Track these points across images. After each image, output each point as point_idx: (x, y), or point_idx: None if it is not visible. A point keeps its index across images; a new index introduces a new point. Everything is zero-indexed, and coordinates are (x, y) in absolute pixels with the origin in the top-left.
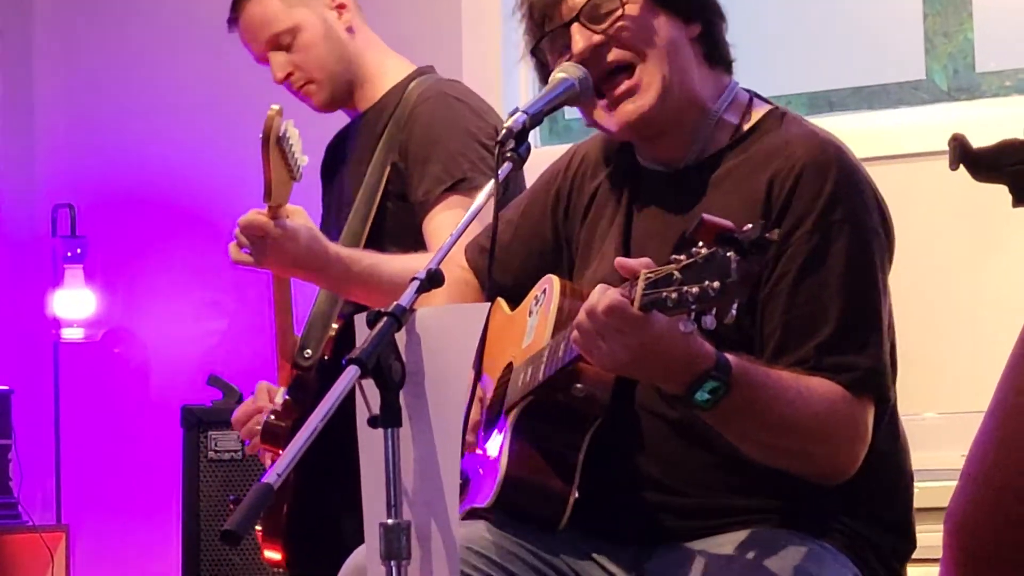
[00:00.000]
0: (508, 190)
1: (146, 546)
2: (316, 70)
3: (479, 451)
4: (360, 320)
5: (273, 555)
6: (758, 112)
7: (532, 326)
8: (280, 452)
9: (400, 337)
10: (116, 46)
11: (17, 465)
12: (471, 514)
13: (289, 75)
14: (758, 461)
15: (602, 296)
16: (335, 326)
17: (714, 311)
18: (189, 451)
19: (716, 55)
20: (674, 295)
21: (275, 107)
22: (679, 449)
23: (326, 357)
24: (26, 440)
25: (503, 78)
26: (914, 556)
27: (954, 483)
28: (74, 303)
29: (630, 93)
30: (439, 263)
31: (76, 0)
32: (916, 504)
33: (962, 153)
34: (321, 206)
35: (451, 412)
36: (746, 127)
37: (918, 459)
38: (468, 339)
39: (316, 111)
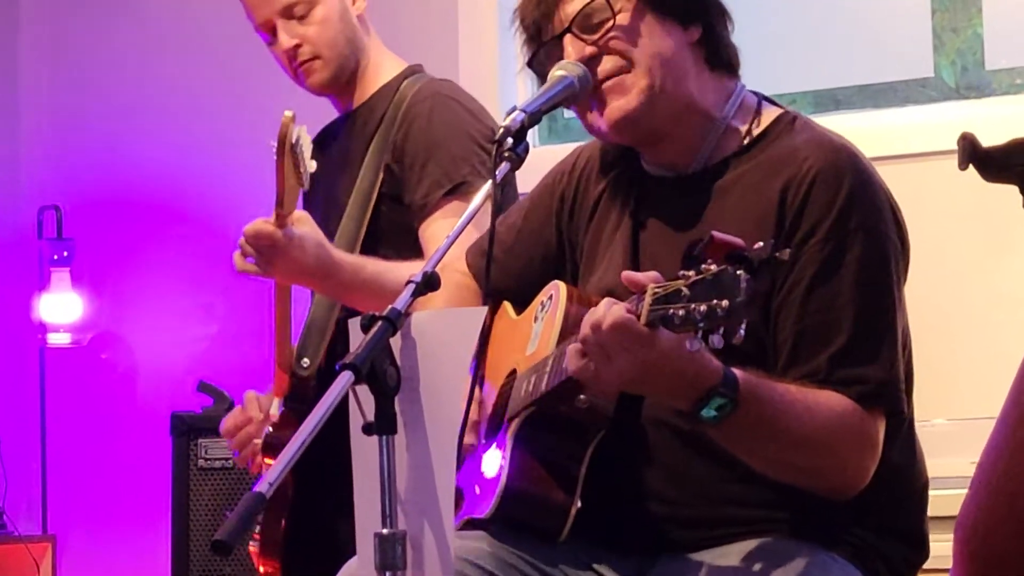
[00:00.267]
0: (504, 192)
1: (135, 556)
2: (326, 47)
3: (480, 452)
4: (354, 324)
5: (269, 571)
6: (768, 116)
7: (537, 333)
8: None
9: (395, 342)
10: (102, 46)
11: (2, 473)
12: (470, 524)
13: (297, 46)
14: (767, 475)
15: (608, 312)
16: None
17: (721, 330)
18: (178, 459)
19: (719, 58)
20: (681, 312)
21: (288, 113)
22: (685, 460)
23: (322, 365)
24: (11, 447)
25: (499, 78)
26: (924, 566)
27: (964, 491)
28: (60, 307)
29: (615, 92)
30: (435, 266)
31: (61, 7)
32: (928, 513)
33: (971, 152)
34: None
35: (447, 418)
36: (756, 132)
37: (928, 467)
38: (465, 344)
39: (308, 90)
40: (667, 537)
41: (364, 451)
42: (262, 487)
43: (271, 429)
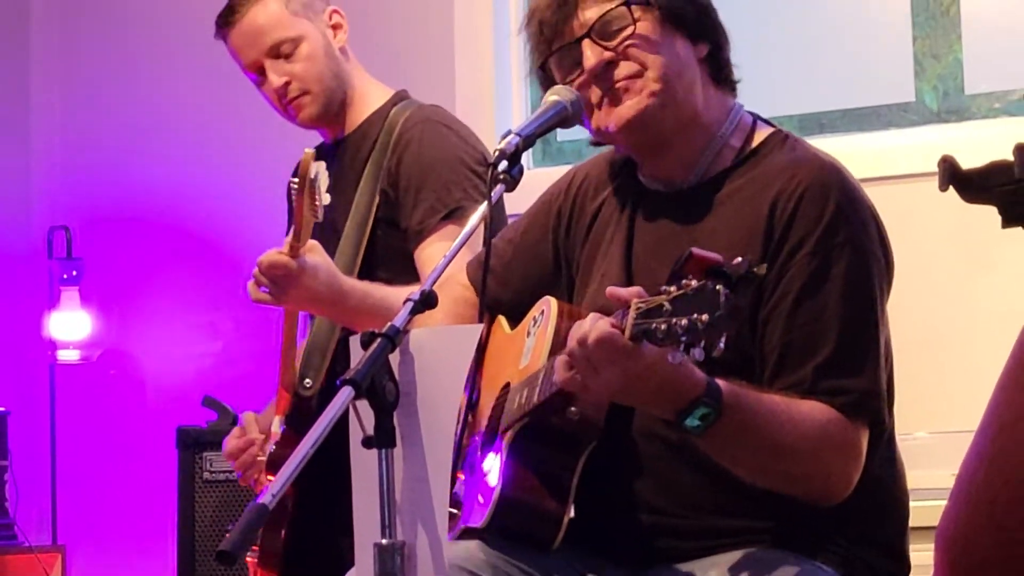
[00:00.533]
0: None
1: (142, 567)
2: (314, 82)
3: (476, 464)
4: (354, 341)
5: None
6: (761, 134)
7: (529, 347)
8: None
9: (394, 358)
10: (112, 69)
11: (13, 486)
12: (466, 533)
13: (287, 84)
14: (753, 484)
15: (593, 326)
16: None
17: (702, 344)
18: (184, 472)
19: (722, 76)
20: (664, 327)
21: (309, 151)
22: (675, 470)
23: (323, 386)
24: (22, 461)
25: (495, 101)
26: None
27: (945, 502)
28: (70, 325)
29: (630, 91)
30: (432, 285)
31: (72, 23)
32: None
33: (951, 174)
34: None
35: (443, 432)
36: (749, 149)
37: (909, 478)
38: (461, 360)
39: (299, 125)
40: (657, 547)
41: (363, 464)
42: (265, 499)
43: (274, 447)
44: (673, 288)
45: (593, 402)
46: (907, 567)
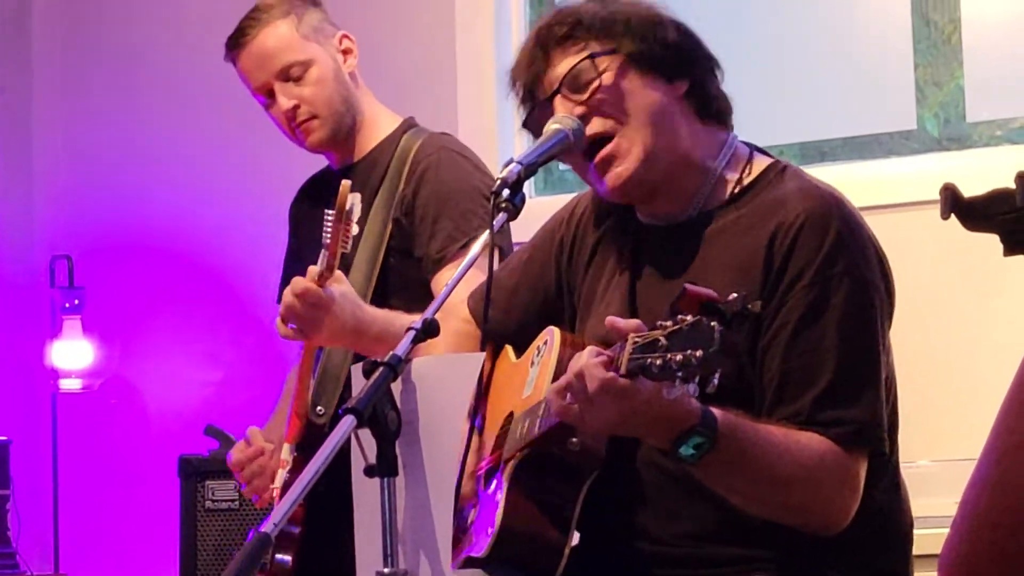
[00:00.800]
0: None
1: None
2: (323, 106)
3: (483, 494)
4: (356, 370)
5: None
6: (759, 165)
7: (533, 377)
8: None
9: (396, 387)
10: (114, 101)
11: (15, 515)
12: (468, 563)
13: (296, 107)
14: (749, 512)
15: (588, 362)
16: None
17: (697, 379)
18: (186, 500)
19: (708, 110)
20: (659, 362)
21: (347, 182)
22: (676, 500)
23: (335, 412)
24: (24, 490)
25: (498, 131)
26: None
27: (947, 530)
28: (72, 354)
29: (610, 161)
30: (434, 313)
31: (74, 57)
32: (913, 552)
33: (953, 202)
34: (289, 248)
35: (445, 460)
36: (747, 181)
37: (913, 506)
38: (463, 388)
39: (307, 149)
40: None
41: (365, 492)
42: (267, 527)
43: (287, 475)
44: (669, 323)
45: (590, 434)
46: None
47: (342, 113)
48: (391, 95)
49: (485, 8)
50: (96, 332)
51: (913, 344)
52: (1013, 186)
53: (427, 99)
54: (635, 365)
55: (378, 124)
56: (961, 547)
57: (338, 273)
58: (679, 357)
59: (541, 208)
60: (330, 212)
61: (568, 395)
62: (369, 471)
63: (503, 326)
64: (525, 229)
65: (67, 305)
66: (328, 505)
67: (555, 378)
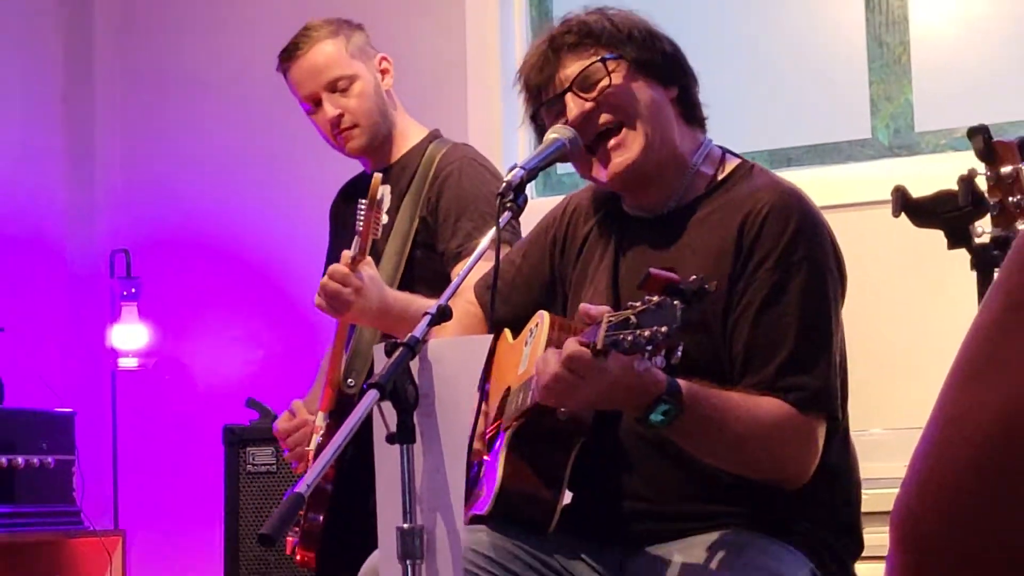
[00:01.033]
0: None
1: (192, 548)
2: (363, 117)
3: (487, 458)
4: (378, 350)
5: (305, 560)
6: (730, 165)
7: (526, 355)
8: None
9: (414, 364)
10: (167, 113)
11: (80, 478)
12: (474, 520)
13: (340, 115)
14: (720, 469)
15: (570, 350)
16: None
17: (663, 352)
18: (230, 465)
19: (692, 115)
20: (630, 338)
21: (378, 175)
22: (656, 463)
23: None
24: (87, 456)
25: (504, 138)
26: (863, 555)
27: (897, 490)
28: (129, 336)
29: (618, 148)
30: (447, 300)
31: (132, 70)
32: (865, 509)
33: (903, 202)
34: (330, 243)
35: (458, 429)
36: (720, 178)
37: (866, 469)
38: (473, 367)
39: (346, 154)
40: (642, 530)
41: (386, 458)
42: (300, 488)
43: (320, 439)
44: (638, 304)
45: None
46: (861, 544)
47: (379, 124)
48: (409, 104)
49: (491, 25)
50: (150, 317)
51: (867, 326)
52: (956, 188)
53: (441, 112)
54: (609, 341)
55: (408, 134)
56: (909, 502)
57: (368, 258)
58: (647, 333)
59: (542, 208)
60: (363, 201)
61: (553, 382)
62: (390, 438)
63: (504, 312)
64: (529, 226)
65: (125, 293)
66: (354, 468)
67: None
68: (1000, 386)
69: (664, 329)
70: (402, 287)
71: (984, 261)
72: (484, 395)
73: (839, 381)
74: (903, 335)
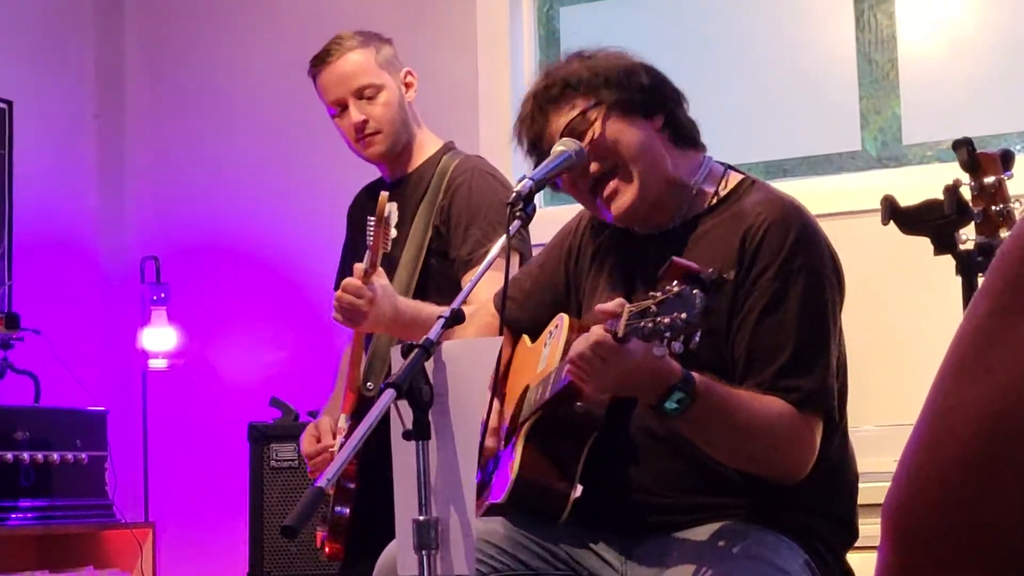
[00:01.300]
0: (524, 243)
1: (219, 539)
2: (386, 125)
3: (502, 452)
4: (395, 352)
5: (333, 552)
6: (732, 180)
7: (545, 355)
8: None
9: (429, 365)
10: (194, 126)
11: (112, 472)
12: (491, 509)
13: (365, 122)
14: (724, 463)
15: (595, 335)
16: None
17: (681, 338)
18: (254, 460)
19: (682, 137)
20: (650, 325)
21: (385, 193)
22: (662, 458)
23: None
24: (119, 452)
25: (514, 150)
26: (856, 545)
27: (889, 484)
28: (159, 339)
29: (615, 194)
30: (460, 304)
31: (161, 83)
32: (858, 502)
33: (892, 211)
34: (344, 248)
35: (470, 426)
36: (723, 193)
37: (858, 464)
38: (485, 367)
39: (366, 158)
40: (648, 520)
41: (403, 453)
42: (321, 482)
43: (343, 440)
44: (658, 294)
45: (598, 398)
46: (855, 535)
47: (400, 133)
48: (421, 116)
49: (501, 41)
50: (179, 320)
51: (859, 329)
52: (942, 198)
53: (453, 122)
54: (631, 328)
55: (425, 146)
56: (900, 496)
57: (380, 270)
58: (667, 320)
59: (549, 216)
60: (371, 219)
61: (580, 360)
62: (406, 435)
63: (523, 318)
64: (538, 233)
65: (155, 298)
66: (378, 464)
67: (564, 354)
68: (987, 384)
69: (684, 316)
70: (417, 294)
71: (968, 267)
72: (501, 396)
73: (838, 383)
74: (893, 336)
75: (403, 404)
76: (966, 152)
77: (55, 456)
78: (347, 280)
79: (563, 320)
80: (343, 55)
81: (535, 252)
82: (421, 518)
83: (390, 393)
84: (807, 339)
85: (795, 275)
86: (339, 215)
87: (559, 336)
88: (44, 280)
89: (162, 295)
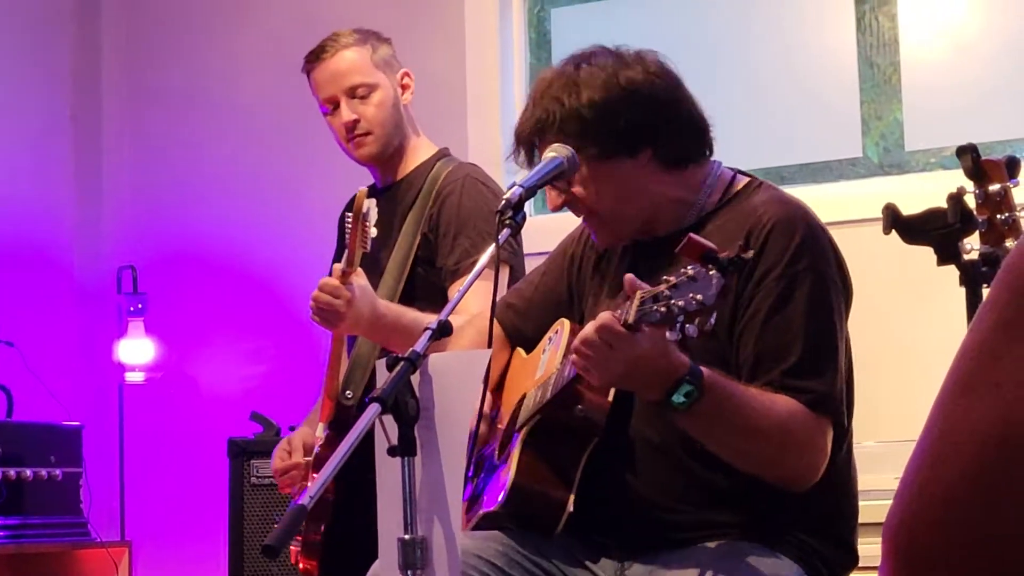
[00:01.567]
0: (515, 251)
1: (198, 558)
2: (378, 126)
3: (497, 461)
4: (381, 364)
5: (308, 569)
6: (739, 183)
7: (544, 360)
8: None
9: (415, 378)
10: (174, 132)
11: (87, 490)
12: (482, 520)
13: (356, 121)
14: (732, 464)
15: (603, 320)
16: None
17: (696, 321)
18: (234, 477)
19: (677, 160)
20: (663, 308)
21: (363, 189)
22: (661, 470)
23: (362, 396)
24: (95, 468)
25: (503, 155)
26: (858, 566)
27: (890, 502)
28: (136, 351)
29: (598, 233)
30: (447, 315)
31: (139, 87)
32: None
33: (894, 219)
34: (335, 257)
35: (457, 442)
36: (731, 194)
37: (859, 481)
38: (473, 380)
39: (355, 159)
40: (643, 537)
41: (386, 470)
42: (303, 500)
43: (319, 449)
44: (672, 278)
45: (598, 403)
46: (855, 559)
47: (392, 135)
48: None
49: (491, 46)
50: (157, 332)
51: (859, 341)
52: (945, 206)
53: (442, 127)
54: (642, 313)
55: (418, 151)
56: (903, 515)
57: (359, 270)
58: (680, 302)
59: (540, 225)
60: (349, 215)
61: (585, 345)
62: (392, 451)
63: (522, 329)
64: (528, 243)
65: (132, 309)
66: (356, 479)
67: (564, 358)
68: (992, 402)
69: (699, 297)
70: (403, 302)
71: (973, 277)
72: (496, 411)
73: (845, 389)
74: (894, 350)
75: (388, 419)
76: (970, 159)
77: (28, 472)
78: (324, 279)
79: (564, 325)
80: (338, 52)
81: (527, 260)
82: (406, 536)
83: (375, 408)
84: (815, 341)
85: (801, 276)
86: (324, 223)
87: (559, 341)
88: (17, 289)
89: (139, 306)
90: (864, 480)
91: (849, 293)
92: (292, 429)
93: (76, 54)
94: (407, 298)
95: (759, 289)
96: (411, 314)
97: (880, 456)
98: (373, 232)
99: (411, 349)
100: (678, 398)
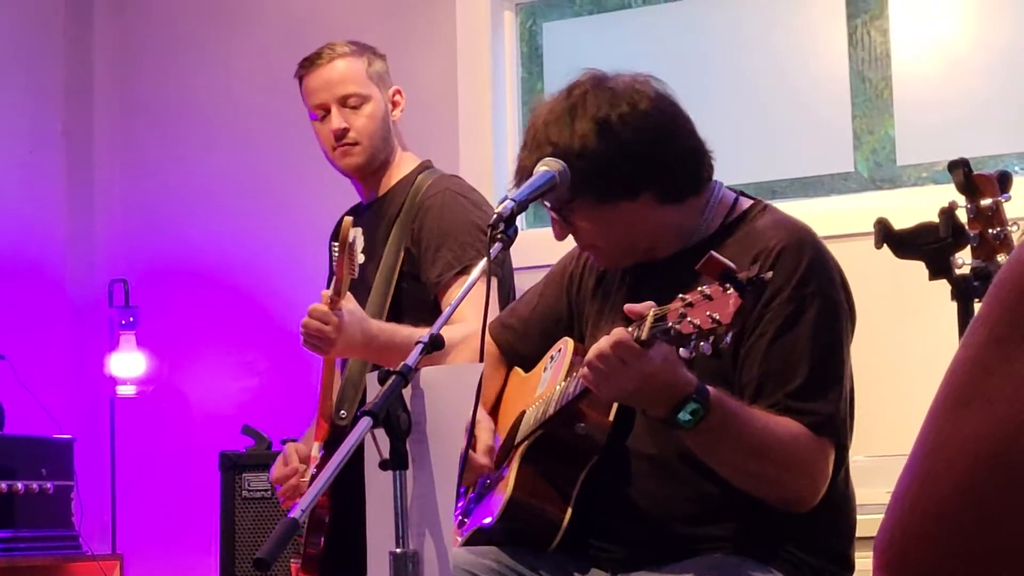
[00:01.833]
0: (503, 266)
1: (189, 572)
2: (367, 137)
3: (488, 479)
4: (372, 378)
5: None
6: (743, 206)
7: (546, 378)
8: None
9: (407, 392)
10: (166, 146)
11: (78, 503)
12: (475, 536)
13: (345, 130)
14: (734, 483)
15: (617, 336)
16: None
17: (711, 339)
18: (226, 490)
19: (678, 194)
20: (678, 326)
21: (348, 218)
22: (659, 486)
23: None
24: (86, 481)
25: (495, 169)
26: None
27: (881, 516)
28: (128, 364)
29: (599, 258)
30: (439, 329)
31: (131, 100)
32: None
33: (885, 234)
34: (329, 275)
35: (449, 456)
36: (734, 216)
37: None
38: (465, 394)
39: (340, 169)
40: (640, 552)
41: (377, 483)
42: (295, 513)
43: (315, 469)
44: (688, 296)
45: (599, 422)
46: (851, 572)
47: (379, 149)
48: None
49: (482, 59)
50: (148, 346)
51: (851, 355)
52: (937, 220)
53: (432, 139)
54: (655, 331)
55: (402, 165)
56: (893, 531)
57: (348, 294)
58: (697, 320)
59: (532, 239)
60: (335, 244)
61: (599, 360)
62: (383, 465)
63: (520, 349)
64: (520, 257)
65: (123, 322)
66: (353, 494)
67: (568, 375)
68: (984, 417)
69: (716, 315)
70: (391, 318)
71: (964, 292)
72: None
73: (848, 412)
74: (886, 364)
75: (379, 432)
76: (962, 173)
77: (19, 485)
78: (313, 306)
79: (567, 344)
80: (334, 60)
81: (520, 275)
82: (398, 551)
83: (366, 421)
84: (820, 364)
85: (809, 300)
86: (316, 237)
87: (562, 360)
88: (8, 303)
89: (131, 319)
90: (856, 494)
91: (854, 317)
92: (284, 443)
93: (68, 68)
94: (394, 313)
95: (766, 311)
96: (404, 331)
97: (872, 470)
98: (360, 259)
99: (403, 363)
100: (684, 416)
